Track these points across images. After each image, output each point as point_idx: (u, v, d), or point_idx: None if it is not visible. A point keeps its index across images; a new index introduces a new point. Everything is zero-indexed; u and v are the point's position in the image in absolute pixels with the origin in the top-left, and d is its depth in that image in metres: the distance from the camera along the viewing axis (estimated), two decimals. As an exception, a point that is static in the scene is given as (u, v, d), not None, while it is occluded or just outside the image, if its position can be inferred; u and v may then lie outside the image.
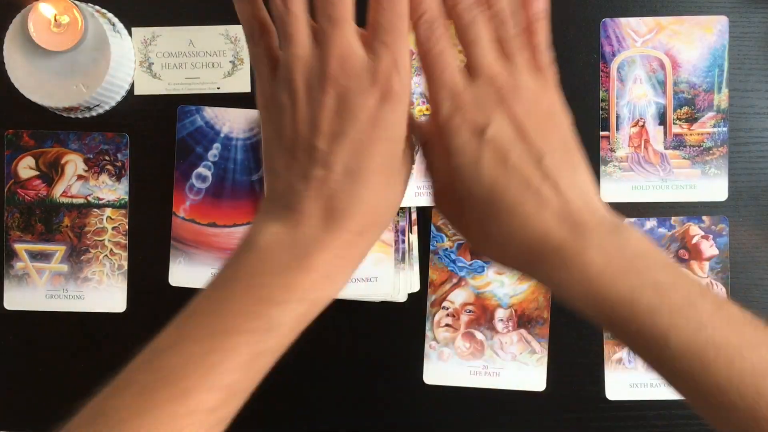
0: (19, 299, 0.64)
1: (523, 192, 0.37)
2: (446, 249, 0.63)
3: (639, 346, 0.36)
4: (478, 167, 0.38)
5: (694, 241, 0.63)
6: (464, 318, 0.63)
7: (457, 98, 0.38)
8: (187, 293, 0.66)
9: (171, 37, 0.63)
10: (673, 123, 0.63)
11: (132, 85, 0.63)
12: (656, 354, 0.35)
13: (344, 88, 0.37)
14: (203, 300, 0.40)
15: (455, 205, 0.40)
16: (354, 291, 0.62)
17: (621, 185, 0.63)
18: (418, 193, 0.62)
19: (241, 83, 0.63)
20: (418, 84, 0.62)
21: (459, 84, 0.39)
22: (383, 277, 0.62)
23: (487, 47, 0.39)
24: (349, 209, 0.37)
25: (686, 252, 0.63)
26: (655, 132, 0.63)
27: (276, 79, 0.39)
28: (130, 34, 0.63)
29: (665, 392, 0.63)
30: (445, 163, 0.39)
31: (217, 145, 0.63)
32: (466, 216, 0.40)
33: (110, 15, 0.62)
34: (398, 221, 0.63)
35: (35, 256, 0.64)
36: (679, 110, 0.63)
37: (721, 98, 0.63)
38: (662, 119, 0.63)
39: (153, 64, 0.63)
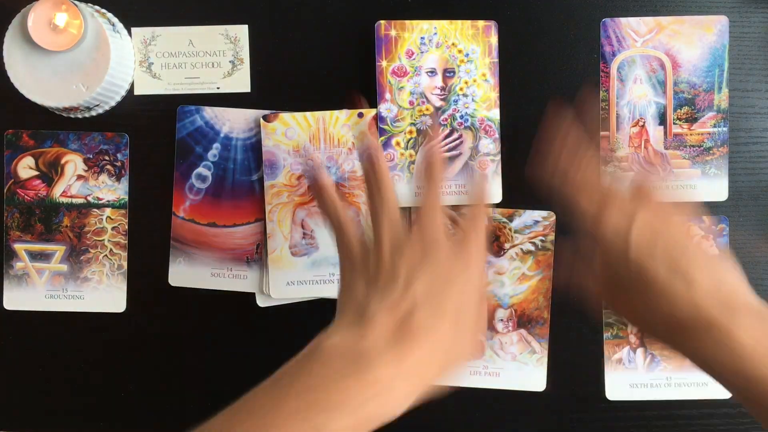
0: (18, 299, 0.64)
1: (674, 269, 0.43)
2: (446, 249, 0.63)
3: None
4: (626, 257, 0.45)
5: (694, 241, 0.63)
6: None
7: (606, 200, 0.47)
8: (187, 293, 0.67)
9: (171, 37, 0.63)
10: (673, 123, 0.63)
11: (132, 85, 0.63)
12: None
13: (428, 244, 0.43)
14: (260, 393, 0.40)
15: (607, 291, 0.48)
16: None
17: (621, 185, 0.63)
18: (418, 193, 0.62)
19: (241, 83, 0.63)
20: (418, 84, 0.62)
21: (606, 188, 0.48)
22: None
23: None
24: (421, 332, 0.39)
25: (686, 252, 0.63)
26: (655, 132, 0.63)
27: (364, 244, 0.44)
28: (130, 34, 0.63)
29: (665, 392, 0.63)
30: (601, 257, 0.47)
31: (216, 145, 0.63)
32: (618, 299, 0.47)
33: (110, 15, 0.62)
34: (398, 221, 0.63)
35: (35, 256, 0.64)
36: (679, 110, 0.63)
37: (721, 98, 0.63)
38: (662, 119, 0.63)
39: (153, 64, 0.63)
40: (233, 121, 0.63)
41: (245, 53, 0.63)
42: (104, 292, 0.64)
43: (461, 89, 0.62)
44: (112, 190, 0.64)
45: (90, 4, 0.61)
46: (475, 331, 0.43)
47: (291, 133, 0.62)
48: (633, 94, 0.63)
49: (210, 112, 0.63)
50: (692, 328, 0.42)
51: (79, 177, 0.64)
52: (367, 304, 0.40)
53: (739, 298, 0.42)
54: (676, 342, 0.44)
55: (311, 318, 0.64)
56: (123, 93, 0.63)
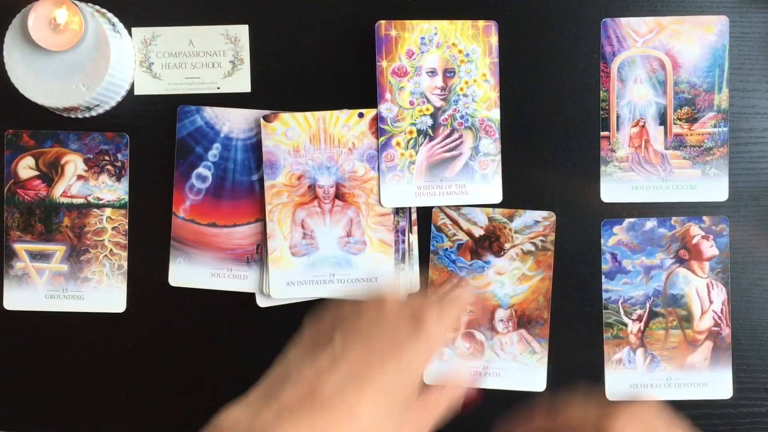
0: (18, 299, 0.64)
1: None
2: (446, 249, 0.63)
3: None
4: None
5: (694, 241, 0.63)
6: (464, 318, 0.63)
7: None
8: (187, 293, 0.67)
9: (171, 37, 0.63)
10: (674, 123, 0.63)
11: (132, 85, 0.63)
12: None
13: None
14: None
15: None
16: (354, 291, 0.62)
17: (621, 185, 0.63)
18: (418, 193, 0.62)
19: (241, 83, 0.63)
20: (418, 84, 0.62)
21: None
22: (383, 277, 0.62)
23: None
24: (334, 401, 0.36)
25: (686, 252, 0.63)
26: (655, 132, 0.63)
27: None
28: (130, 34, 0.63)
29: (665, 392, 0.63)
30: None
31: (217, 145, 0.63)
32: None
33: (110, 15, 0.62)
34: (398, 221, 0.63)
35: (35, 256, 0.64)
36: (679, 110, 0.63)
37: (722, 98, 0.63)
38: (662, 119, 0.63)
39: (153, 64, 0.63)
40: (233, 121, 0.63)
41: (245, 53, 0.63)
42: (104, 292, 0.64)
43: (461, 89, 0.62)
44: (112, 190, 0.64)
45: (90, 4, 0.61)
46: (415, 410, 0.40)
47: (291, 133, 0.62)
48: (633, 94, 0.63)
49: (210, 112, 0.63)
50: None
51: (80, 177, 0.63)
52: (288, 372, 0.37)
53: None
54: None
55: (311, 318, 0.64)
56: (123, 93, 0.62)
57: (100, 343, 0.64)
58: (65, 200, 0.63)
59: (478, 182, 0.62)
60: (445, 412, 0.43)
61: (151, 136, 0.63)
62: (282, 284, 0.62)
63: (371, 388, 0.37)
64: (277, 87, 0.63)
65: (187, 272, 0.63)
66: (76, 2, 0.58)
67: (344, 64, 0.63)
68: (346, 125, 0.62)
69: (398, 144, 0.62)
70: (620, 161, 0.63)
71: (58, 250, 0.64)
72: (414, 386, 0.40)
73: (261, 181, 0.63)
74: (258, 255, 0.63)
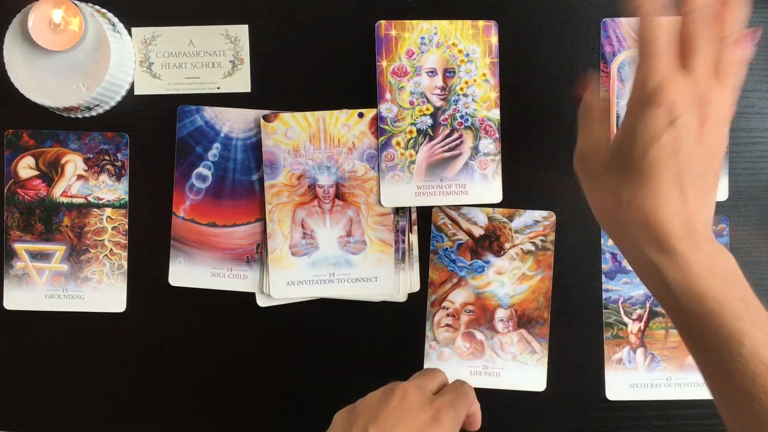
0: (19, 299, 0.64)
1: (675, 182, 0.44)
2: (446, 249, 0.63)
3: (711, 339, 0.42)
4: (652, 141, 0.43)
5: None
6: (464, 318, 0.63)
7: (668, 78, 0.44)
8: (187, 293, 0.67)
9: (171, 37, 0.63)
10: (674, 123, 0.63)
11: (132, 85, 0.63)
12: (727, 350, 0.41)
13: None
14: None
15: (598, 166, 0.47)
16: (354, 291, 0.62)
17: (621, 185, 0.63)
18: (418, 193, 0.62)
19: (241, 83, 0.63)
20: (418, 84, 0.62)
21: (673, 69, 0.44)
22: (383, 277, 0.62)
23: (707, 56, 0.45)
24: None
25: (686, 252, 0.63)
26: (655, 132, 0.63)
27: None
28: (130, 34, 0.63)
29: (665, 392, 0.63)
30: (623, 124, 0.45)
31: (217, 145, 0.63)
32: (606, 180, 0.46)
33: (110, 15, 0.62)
34: (398, 221, 0.63)
35: (35, 256, 0.64)
36: (679, 110, 0.63)
37: (722, 98, 0.62)
38: (662, 119, 0.63)
39: (153, 64, 0.63)
40: (233, 121, 0.63)
41: (245, 53, 0.63)
42: (104, 292, 0.64)
43: (461, 89, 0.62)
44: (112, 190, 0.64)
45: (90, 4, 0.61)
46: None
47: (291, 133, 0.62)
48: (633, 94, 0.63)
49: (210, 112, 0.63)
50: (662, 237, 0.43)
51: (80, 177, 0.64)
52: None
53: (709, 231, 0.45)
54: (639, 248, 0.45)
55: (311, 318, 0.64)
56: (123, 93, 0.63)
57: (100, 343, 0.64)
58: (65, 200, 0.63)
59: (478, 182, 0.62)
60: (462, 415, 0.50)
61: (151, 136, 0.63)
62: (282, 284, 0.62)
63: None
64: (277, 87, 0.63)
65: (187, 272, 0.63)
66: (76, 2, 0.58)
67: (344, 64, 0.63)
68: (346, 125, 0.62)
69: (398, 144, 0.62)
70: (620, 161, 0.63)
71: (58, 250, 0.64)
72: None
73: (261, 180, 0.63)
74: (258, 255, 0.63)
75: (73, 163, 0.63)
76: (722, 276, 0.43)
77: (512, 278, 0.63)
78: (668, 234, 0.43)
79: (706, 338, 0.42)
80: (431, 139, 0.62)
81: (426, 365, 0.63)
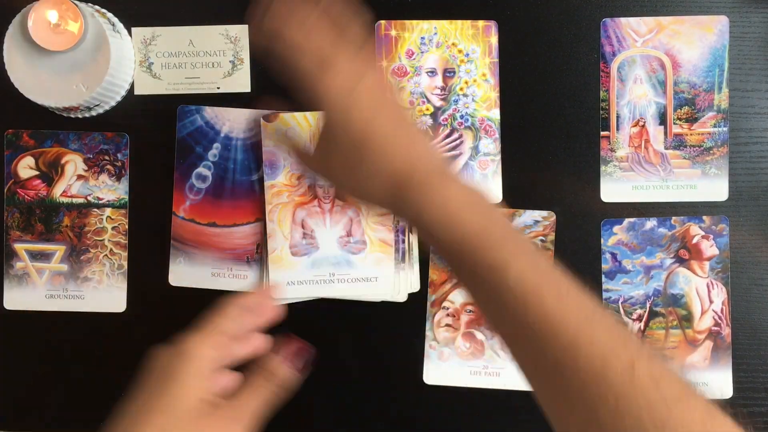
0: (19, 299, 0.64)
1: (397, 128, 0.45)
2: (446, 249, 0.63)
3: (480, 273, 0.42)
4: (349, 115, 0.45)
5: (694, 241, 0.63)
6: (464, 318, 0.63)
7: (327, 60, 0.46)
8: (187, 293, 0.67)
9: (171, 37, 0.63)
10: (674, 123, 0.63)
11: (132, 85, 0.63)
12: (495, 281, 0.41)
13: None
14: None
15: (321, 156, 0.49)
16: (354, 291, 0.62)
17: (621, 185, 0.63)
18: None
19: (241, 83, 0.63)
20: (418, 84, 0.62)
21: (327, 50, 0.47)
22: (383, 277, 0.62)
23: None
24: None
25: (686, 252, 0.63)
26: (655, 132, 0.63)
27: None
28: (130, 34, 0.63)
29: (665, 392, 0.63)
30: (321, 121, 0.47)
31: (217, 145, 0.63)
32: (332, 161, 0.48)
33: (110, 15, 0.62)
34: (398, 221, 0.63)
35: (35, 255, 0.64)
36: (679, 110, 0.63)
37: (722, 98, 0.63)
38: (662, 119, 0.63)
39: (153, 64, 0.63)
40: (233, 121, 0.63)
41: (245, 53, 0.63)
42: (104, 292, 0.64)
43: (461, 89, 0.62)
44: (112, 190, 0.64)
45: (90, 4, 0.61)
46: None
47: (291, 133, 0.62)
48: (633, 94, 0.63)
49: (210, 112, 0.63)
50: (407, 183, 0.44)
51: (80, 177, 0.64)
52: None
53: (448, 162, 0.47)
54: (393, 202, 0.46)
55: (311, 318, 0.64)
56: (123, 93, 0.63)
57: (100, 343, 0.64)
58: (65, 200, 0.63)
59: (478, 182, 0.62)
60: (261, 405, 0.50)
61: (151, 136, 0.63)
62: (282, 284, 0.62)
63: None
64: (277, 87, 0.63)
65: (187, 272, 0.63)
66: (76, 2, 0.58)
67: (344, 64, 0.63)
68: (346, 125, 0.62)
69: (398, 144, 0.62)
70: (620, 161, 0.63)
71: (58, 249, 0.64)
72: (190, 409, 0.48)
73: (261, 180, 0.63)
74: (258, 255, 0.63)
75: (73, 163, 0.63)
76: (477, 209, 0.43)
77: (512, 278, 0.63)
78: (417, 178, 0.44)
79: (476, 273, 0.42)
80: (431, 139, 0.62)
81: (426, 365, 0.63)
